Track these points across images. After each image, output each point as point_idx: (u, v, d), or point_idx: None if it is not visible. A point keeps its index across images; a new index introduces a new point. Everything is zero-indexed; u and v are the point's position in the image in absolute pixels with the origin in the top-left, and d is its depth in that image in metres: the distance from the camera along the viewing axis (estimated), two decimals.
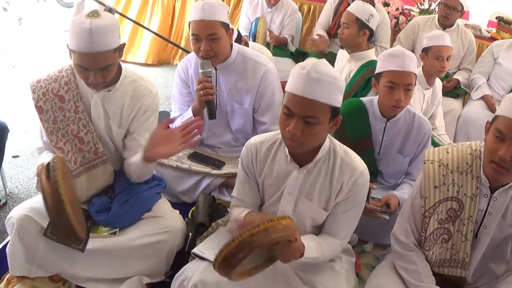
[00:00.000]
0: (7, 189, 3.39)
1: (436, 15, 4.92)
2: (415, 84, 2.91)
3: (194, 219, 2.65)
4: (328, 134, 2.17)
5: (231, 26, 3.07)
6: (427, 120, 3.03)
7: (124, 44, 2.43)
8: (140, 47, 6.33)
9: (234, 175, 2.48)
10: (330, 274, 2.24)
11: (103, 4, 4.11)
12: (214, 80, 3.13)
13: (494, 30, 5.70)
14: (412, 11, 5.88)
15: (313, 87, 1.95)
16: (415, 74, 2.88)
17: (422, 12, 5.75)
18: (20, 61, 5.75)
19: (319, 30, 5.23)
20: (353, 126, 3.01)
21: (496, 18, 5.67)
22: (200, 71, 2.95)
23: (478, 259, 2.28)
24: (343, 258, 2.36)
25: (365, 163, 2.23)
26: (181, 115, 3.25)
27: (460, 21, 5.01)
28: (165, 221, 2.53)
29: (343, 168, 2.18)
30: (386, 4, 5.50)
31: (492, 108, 4.51)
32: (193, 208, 2.79)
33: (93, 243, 2.42)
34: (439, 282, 2.22)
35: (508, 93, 4.45)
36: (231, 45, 3.12)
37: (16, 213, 2.40)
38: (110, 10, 3.78)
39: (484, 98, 4.65)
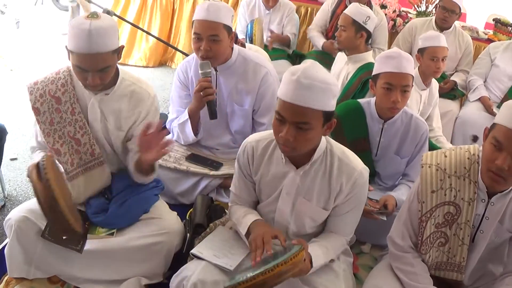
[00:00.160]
0: (6, 191, 3.40)
1: (433, 18, 4.92)
2: (412, 85, 2.92)
3: (192, 220, 2.65)
4: (324, 136, 2.18)
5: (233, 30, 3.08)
6: (424, 121, 3.03)
7: (122, 46, 2.44)
8: (138, 49, 6.33)
9: (232, 176, 2.48)
10: (328, 274, 2.24)
11: (101, 7, 4.11)
12: (214, 81, 3.13)
13: (491, 32, 5.70)
14: (409, 13, 5.88)
15: (303, 94, 1.94)
16: (412, 76, 2.88)
17: (419, 14, 5.76)
18: (17, 64, 5.75)
19: (315, 32, 5.24)
20: (351, 128, 3.01)
21: (493, 20, 5.67)
22: (199, 71, 2.96)
23: (475, 263, 2.28)
24: (341, 258, 2.36)
25: None
26: (178, 117, 3.26)
27: (457, 23, 5.02)
28: (162, 222, 2.53)
29: (341, 168, 2.19)
30: (383, 6, 5.51)
31: (489, 110, 4.52)
32: (191, 209, 2.79)
33: (91, 244, 2.42)
34: (436, 283, 2.22)
35: (505, 94, 4.51)
36: (232, 48, 3.13)
37: (14, 215, 2.40)
38: (108, 13, 3.79)
39: (481, 99, 4.65)
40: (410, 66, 2.86)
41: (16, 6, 7.10)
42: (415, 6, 5.86)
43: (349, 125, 2.99)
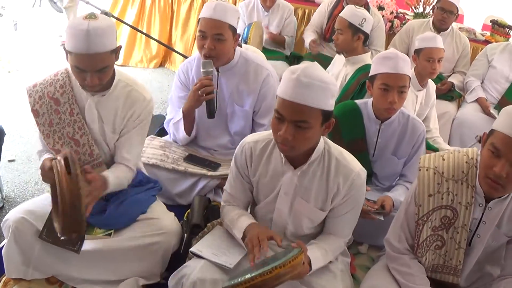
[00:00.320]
0: (3, 193, 3.40)
1: (431, 19, 4.93)
2: (409, 86, 2.92)
3: (189, 220, 2.66)
4: (323, 136, 2.18)
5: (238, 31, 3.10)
6: (421, 122, 3.04)
7: (120, 47, 2.44)
8: (137, 51, 6.35)
9: None
10: (325, 275, 2.24)
11: (99, 8, 4.12)
12: (216, 82, 3.14)
13: (488, 33, 5.72)
14: (407, 14, 5.89)
15: (303, 93, 1.95)
16: (409, 77, 2.89)
17: (417, 15, 5.77)
18: (15, 66, 5.74)
19: (310, 32, 5.25)
20: (348, 128, 3.02)
21: (491, 21, 5.68)
22: (201, 70, 2.97)
23: (471, 266, 2.28)
24: (338, 258, 2.37)
25: None
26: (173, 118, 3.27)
27: (454, 25, 5.03)
28: (160, 223, 2.53)
29: (339, 169, 2.19)
30: (380, 8, 5.52)
31: (486, 111, 4.53)
32: (189, 210, 2.79)
33: (88, 244, 2.42)
34: (433, 285, 2.22)
35: (502, 95, 4.52)
36: (234, 49, 3.14)
37: (12, 215, 2.40)
38: (106, 14, 3.79)
39: (478, 100, 4.65)
40: (407, 67, 2.87)
41: (14, 8, 7.08)
42: (413, 7, 5.87)
43: (346, 126, 3.00)
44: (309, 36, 5.14)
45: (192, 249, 2.27)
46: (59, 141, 2.49)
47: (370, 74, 2.99)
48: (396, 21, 5.55)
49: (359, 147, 3.00)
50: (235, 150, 2.39)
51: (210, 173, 3.16)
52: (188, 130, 3.23)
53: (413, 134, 2.97)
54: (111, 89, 2.50)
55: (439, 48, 3.74)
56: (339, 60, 4.14)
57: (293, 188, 2.24)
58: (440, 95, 4.57)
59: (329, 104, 2.02)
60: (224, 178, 3.10)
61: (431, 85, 3.99)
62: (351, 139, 3.00)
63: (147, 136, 2.99)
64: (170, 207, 2.77)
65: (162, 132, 3.67)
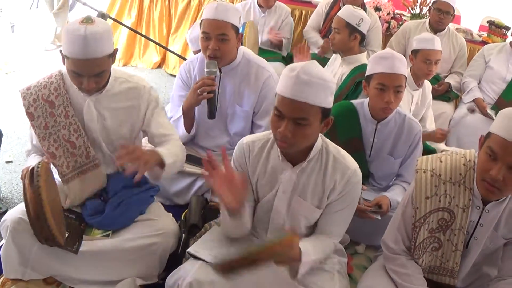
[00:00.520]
0: (1, 194, 3.40)
1: (427, 20, 4.95)
2: (405, 86, 2.93)
3: (187, 221, 2.67)
4: (320, 134, 2.19)
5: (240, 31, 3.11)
6: (418, 122, 3.04)
7: (116, 50, 2.45)
8: (134, 52, 6.36)
9: None
10: (322, 274, 2.25)
11: (96, 10, 4.12)
12: (218, 82, 3.15)
13: (485, 34, 5.72)
14: (404, 15, 5.89)
15: (302, 90, 1.96)
16: (405, 76, 2.89)
17: (414, 16, 5.77)
18: (13, 68, 5.74)
19: (313, 33, 5.26)
20: (344, 128, 3.02)
21: (488, 22, 5.69)
22: (205, 70, 2.99)
23: (468, 268, 2.28)
24: (335, 258, 2.37)
25: None
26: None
27: (451, 25, 5.04)
28: (158, 223, 2.54)
29: (336, 166, 2.20)
30: (377, 9, 5.52)
31: (483, 111, 4.54)
32: (186, 210, 2.80)
33: (86, 245, 2.43)
34: (429, 285, 2.22)
35: (499, 96, 4.53)
36: (237, 49, 3.16)
37: (9, 216, 2.40)
38: (103, 16, 3.79)
39: (475, 101, 4.66)
40: (403, 67, 2.88)
41: (11, 10, 7.08)
42: (409, 8, 5.87)
43: (342, 126, 3.00)
44: (315, 37, 5.17)
45: (189, 250, 2.27)
46: (54, 144, 2.49)
47: (366, 74, 2.99)
48: (393, 22, 5.55)
49: (355, 146, 3.00)
50: (233, 150, 2.39)
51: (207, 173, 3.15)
52: (187, 128, 3.24)
53: (409, 134, 2.98)
54: (108, 86, 2.50)
55: (437, 50, 3.75)
56: (335, 60, 4.14)
57: (292, 186, 2.24)
58: (437, 96, 4.59)
59: (328, 101, 2.04)
60: None
61: (427, 85, 3.99)
62: (347, 139, 3.00)
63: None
64: (167, 207, 2.78)
65: None
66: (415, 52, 3.81)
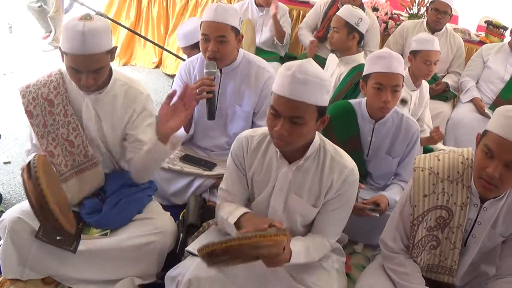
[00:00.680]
0: None
1: (424, 20, 4.96)
2: (403, 85, 2.93)
3: (185, 220, 2.67)
4: (319, 132, 2.19)
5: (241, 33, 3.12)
6: (415, 121, 3.04)
7: (116, 47, 2.46)
8: (132, 53, 6.36)
9: None
10: (320, 273, 2.26)
11: (93, 10, 4.12)
12: (219, 83, 3.16)
13: (483, 34, 5.73)
14: (401, 15, 5.89)
15: (298, 89, 1.97)
16: (403, 76, 2.90)
17: (411, 16, 5.77)
18: (11, 69, 5.74)
19: (306, 31, 5.26)
20: (342, 128, 3.02)
21: (485, 22, 5.69)
22: (205, 71, 2.99)
23: (466, 266, 2.29)
24: (333, 257, 2.38)
25: None
26: None
27: (449, 25, 5.05)
28: (156, 222, 2.55)
29: (333, 165, 2.20)
30: (375, 9, 5.52)
31: (481, 111, 4.55)
32: (184, 210, 2.80)
33: (84, 244, 2.43)
34: (428, 284, 2.22)
35: (497, 95, 4.54)
36: (238, 49, 3.16)
37: (8, 215, 2.40)
38: (101, 16, 3.79)
39: (473, 101, 4.68)
40: (401, 66, 2.88)
41: (8, 11, 7.08)
42: (407, 8, 5.88)
43: (340, 126, 3.00)
44: (306, 36, 5.16)
45: (188, 248, 2.28)
46: (52, 142, 2.50)
47: (364, 74, 3.00)
48: (391, 22, 5.55)
49: (353, 145, 3.00)
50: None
51: (205, 172, 3.17)
52: (186, 128, 3.24)
53: (407, 133, 2.98)
54: (108, 87, 2.51)
55: (437, 51, 3.75)
56: (332, 60, 4.14)
57: (288, 183, 2.24)
58: (435, 96, 4.60)
59: (324, 99, 2.04)
60: (219, 177, 3.10)
61: (425, 85, 3.99)
62: (345, 138, 3.00)
63: None
64: (165, 207, 2.78)
65: None
66: (414, 53, 3.79)
